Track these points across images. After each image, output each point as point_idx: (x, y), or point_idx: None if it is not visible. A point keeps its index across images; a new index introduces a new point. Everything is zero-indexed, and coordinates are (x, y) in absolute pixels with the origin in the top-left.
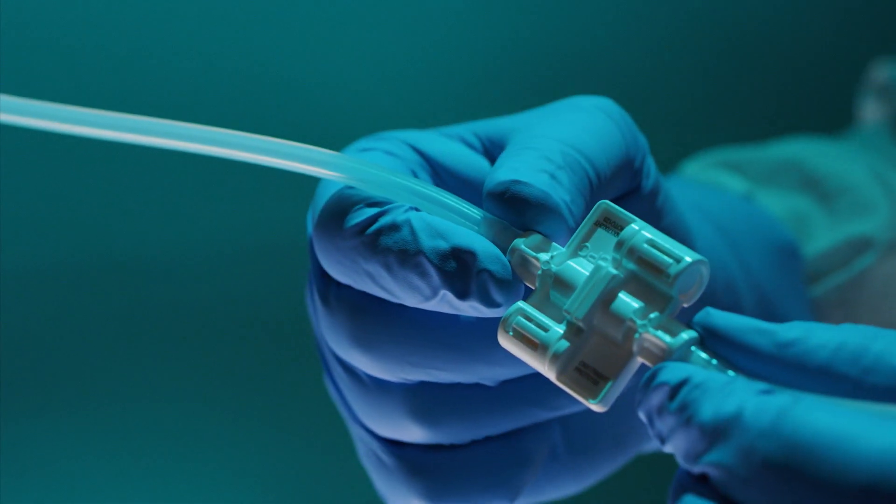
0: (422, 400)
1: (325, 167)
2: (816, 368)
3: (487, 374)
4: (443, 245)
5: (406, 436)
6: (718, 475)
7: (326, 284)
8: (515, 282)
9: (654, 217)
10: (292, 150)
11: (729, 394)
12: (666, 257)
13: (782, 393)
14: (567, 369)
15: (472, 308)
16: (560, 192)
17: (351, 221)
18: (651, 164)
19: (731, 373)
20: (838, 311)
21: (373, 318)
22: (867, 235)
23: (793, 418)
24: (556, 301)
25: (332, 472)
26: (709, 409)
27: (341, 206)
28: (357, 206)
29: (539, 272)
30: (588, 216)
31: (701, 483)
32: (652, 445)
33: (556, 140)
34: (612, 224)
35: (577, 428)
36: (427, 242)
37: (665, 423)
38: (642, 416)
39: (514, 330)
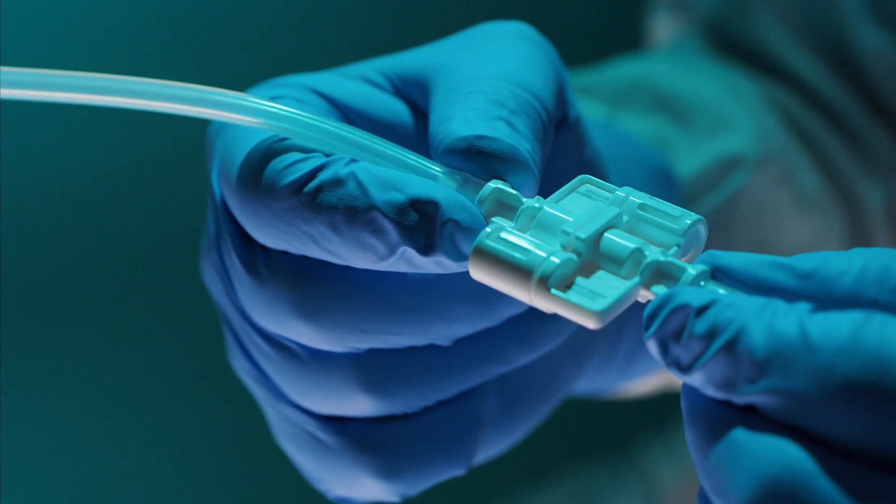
0: (372, 369)
1: (251, 115)
2: (844, 296)
3: (444, 333)
4: (398, 197)
5: (352, 409)
6: (780, 402)
7: (252, 252)
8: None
9: (580, 146)
10: (215, 97)
11: (776, 314)
12: (663, 218)
13: (839, 312)
14: (560, 284)
15: (435, 264)
16: (522, 143)
17: (285, 179)
18: (572, 91)
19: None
20: (718, 236)
21: (318, 286)
22: (735, 153)
23: (872, 333)
24: (541, 237)
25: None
26: (759, 331)
27: (269, 163)
28: (289, 162)
29: (522, 206)
30: (567, 186)
31: (748, 414)
32: (581, 387)
33: (500, 79)
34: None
35: (512, 384)
36: (379, 196)
37: (689, 350)
38: (653, 344)
39: (495, 250)
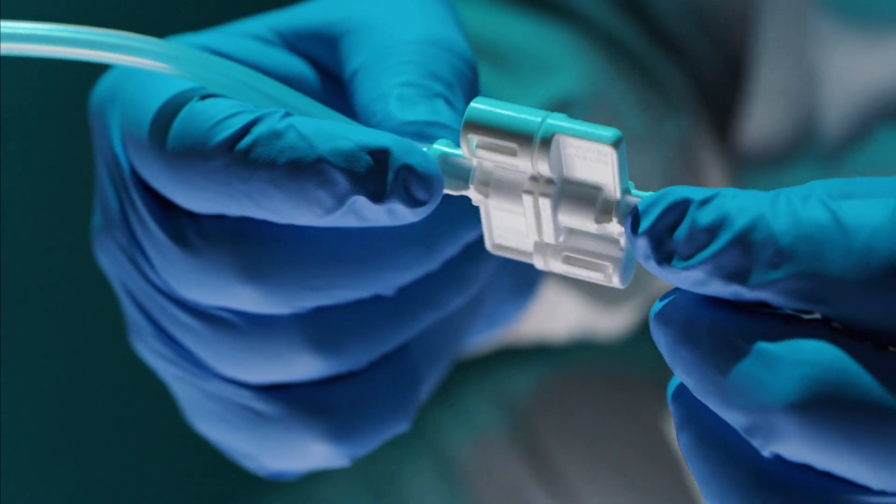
0: (320, 327)
1: (166, 61)
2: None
3: (391, 281)
4: (346, 145)
5: (298, 373)
6: (808, 288)
7: (177, 221)
8: (439, 177)
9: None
10: (122, 41)
11: (793, 200)
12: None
13: (861, 199)
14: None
15: (387, 213)
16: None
17: (216, 137)
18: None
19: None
20: None
21: (260, 247)
22: (565, 96)
23: None
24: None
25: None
26: (781, 217)
27: (194, 121)
28: (217, 119)
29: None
30: None
31: (762, 320)
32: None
33: (429, 45)
34: None
35: (428, 337)
36: (324, 145)
37: (691, 242)
38: (644, 242)
39: (500, 243)
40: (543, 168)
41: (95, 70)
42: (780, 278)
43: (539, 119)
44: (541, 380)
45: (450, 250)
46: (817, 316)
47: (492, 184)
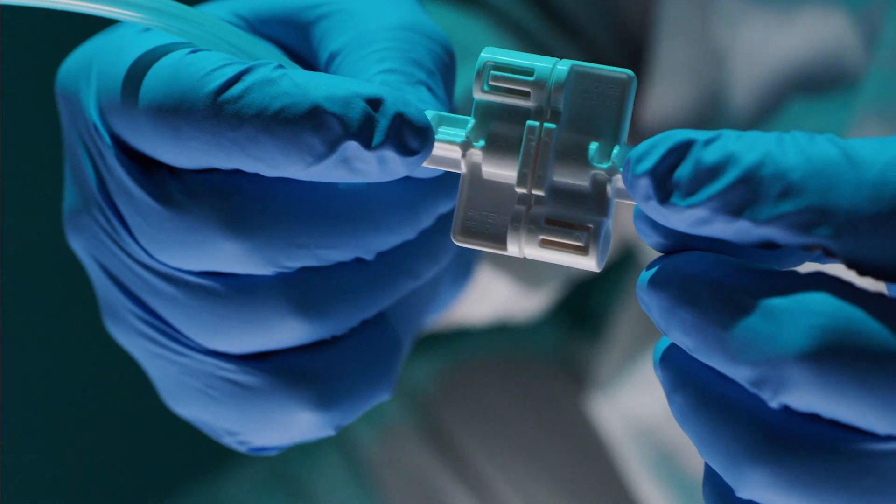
0: (304, 288)
1: (149, 14)
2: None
3: (374, 245)
4: (341, 92)
5: (282, 339)
6: (818, 221)
7: (160, 181)
8: (431, 130)
9: None
10: None
11: (798, 139)
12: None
13: (869, 138)
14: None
15: (378, 162)
16: (443, 110)
17: (208, 86)
18: None
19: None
20: None
21: (248, 200)
22: None
23: None
24: (495, 177)
25: None
26: (790, 153)
27: (185, 72)
28: (210, 69)
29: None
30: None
31: (768, 277)
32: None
33: (408, 30)
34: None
35: (405, 303)
36: (319, 91)
37: (696, 182)
38: (645, 181)
39: (471, 228)
40: (557, 98)
41: None
42: (789, 211)
43: (553, 61)
44: (443, 367)
45: (427, 220)
46: (818, 269)
47: (490, 134)
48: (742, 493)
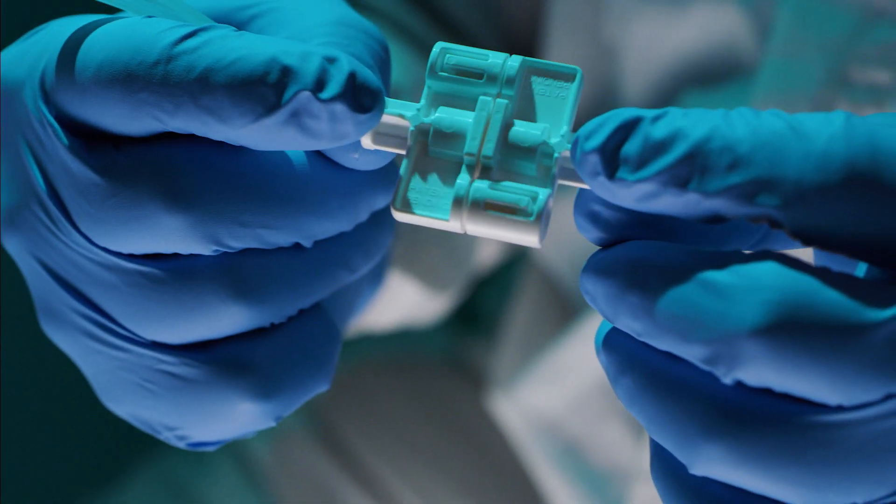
0: (244, 273)
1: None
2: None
3: (314, 230)
4: (299, 47)
5: (222, 326)
6: (763, 191)
7: (104, 154)
8: (382, 94)
9: None
10: None
11: (745, 115)
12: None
13: (814, 112)
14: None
15: (329, 117)
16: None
17: (163, 40)
18: None
19: None
20: None
21: (194, 170)
22: (394, 86)
23: (860, 123)
24: (442, 154)
25: None
26: (739, 126)
27: (139, 32)
28: (164, 27)
29: (411, 129)
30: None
31: (715, 258)
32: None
33: (345, 26)
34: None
35: (339, 296)
36: (276, 45)
37: (645, 157)
38: (593, 158)
39: (410, 201)
40: (508, 89)
41: None
42: (738, 182)
43: (504, 56)
44: (337, 373)
45: (364, 212)
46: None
47: (440, 112)
48: (695, 470)
